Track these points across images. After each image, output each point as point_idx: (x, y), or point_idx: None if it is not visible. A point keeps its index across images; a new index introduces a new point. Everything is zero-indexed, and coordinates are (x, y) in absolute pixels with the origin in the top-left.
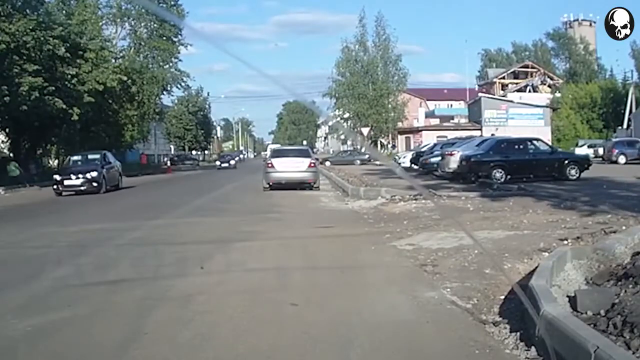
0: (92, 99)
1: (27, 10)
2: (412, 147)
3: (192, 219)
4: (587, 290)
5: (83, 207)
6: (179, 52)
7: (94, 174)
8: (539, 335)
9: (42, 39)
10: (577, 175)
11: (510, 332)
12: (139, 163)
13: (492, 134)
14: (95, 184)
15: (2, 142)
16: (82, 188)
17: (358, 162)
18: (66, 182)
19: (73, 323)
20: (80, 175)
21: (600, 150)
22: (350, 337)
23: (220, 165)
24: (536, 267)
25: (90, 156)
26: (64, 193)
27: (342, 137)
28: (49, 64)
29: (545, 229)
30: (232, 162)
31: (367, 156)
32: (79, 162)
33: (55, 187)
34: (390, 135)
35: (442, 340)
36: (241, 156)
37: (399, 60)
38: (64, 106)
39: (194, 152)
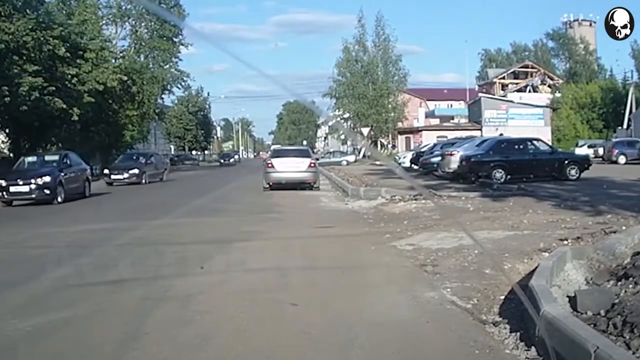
0: (92, 99)
1: (27, 10)
2: (412, 147)
3: (192, 219)
4: (587, 290)
5: (82, 206)
6: (179, 52)
7: (47, 179)
8: (539, 335)
9: (42, 39)
10: (577, 175)
11: (510, 332)
12: None
13: (501, 134)
14: (47, 192)
15: (2, 142)
16: (32, 196)
17: (345, 162)
18: (12, 189)
19: (73, 323)
20: (31, 181)
21: (600, 150)
22: (350, 337)
23: (110, 176)
24: (536, 267)
25: (47, 157)
26: (14, 202)
27: (342, 137)
28: (49, 64)
29: (545, 229)
30: (134, 171)
31: (354, 157)
32: (33, 165)
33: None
34: (390, 135)
35: (442, 340)
36: (237, 157)
37: (399, 60)
38: (64, 106)
39: (194, 152)
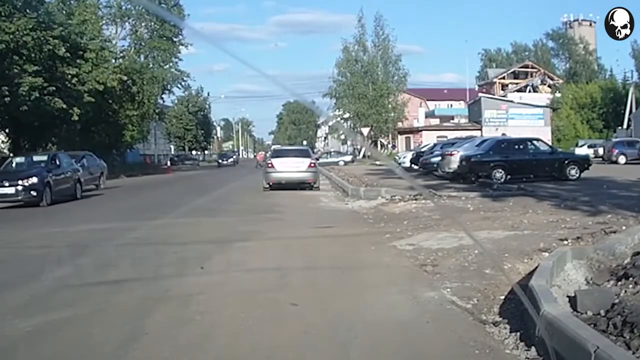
0: (92, 99)
1: (27, 10)
2: (412, 147)
3: (192, 219)
4: (587, 290)
5: (83, 207)
6: (179, 52)
7: (34, 180)
8: (539, 335)
9: (42, 39)
10: (577, 175)
11: (510, 332)
12: (142, 163)
13: (503, 134)
14: (34, 193)
15: (2, 142)
16: (18, 198)
17: (342, 162)
18: None
19: (73, 323)
20: (17, 182)
21: (600, 150)
22: (350, 337)
23: None
24: (536, 267)
25: (35, 158)
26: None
27: (342, 137)
28: (49, 64)
29: (546, 229)
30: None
31: (351, 157)
32: (21, 166)
33: None
34: (390, 135)
35: (442, 340)
36: (235, 157)
37: (398, 60)
38: (64, 106)
39: (194, 152)
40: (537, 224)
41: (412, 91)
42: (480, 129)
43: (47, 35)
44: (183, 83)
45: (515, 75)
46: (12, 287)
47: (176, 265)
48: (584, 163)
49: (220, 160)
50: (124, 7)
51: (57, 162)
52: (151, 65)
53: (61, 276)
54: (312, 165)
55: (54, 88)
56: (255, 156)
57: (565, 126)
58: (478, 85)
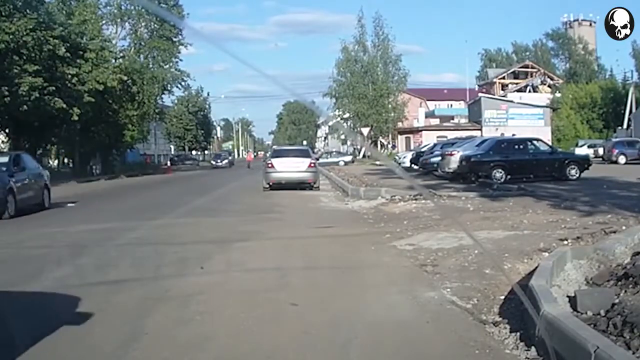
0: (92, 99)
1: (27, 10)
2: (412, 147)
3: (192, 219)
4: (587, 290)
5: (81, 207)
6: (179, 52)
7: None
8: (539, 335)
9: (42, 39)
10: (577, 175)
11: (510, 332)
12: (142, 163)
13: (502, 134)
14: None
15: (2, 142)
16: None
17: (342, 163)
18: None
19: (73, 323)
20: None
21: (600, 150)
22: (350, 337)
23: None
24: (536, 267)
25: None
26: None
27: (342, 137)
28: (49, 64)
29: (545, 229)
30: None
31: (351, 157)
32: None
33: None
34: (390, 135)
35: (442, 340)
36: (230, 158)
37: (398, 60)
38: (64, 106)
39: (194, 152)
40: (537, 224)
41: (412, 91)
42: (480, 129)
43: (47, 35)
44: (183, 83)
45: (515, 75)
46: (12, 287)
47: (176, 265)
48: (584, 163)
49: (213, 162)
50: (124, 7)
51: (21, 165)
52: (151, 65)
53: (61, 276)
54: (312, 165)
55: (54, 88)
56: (255, 156)
57: (565, 126)
58: (478, 85)
